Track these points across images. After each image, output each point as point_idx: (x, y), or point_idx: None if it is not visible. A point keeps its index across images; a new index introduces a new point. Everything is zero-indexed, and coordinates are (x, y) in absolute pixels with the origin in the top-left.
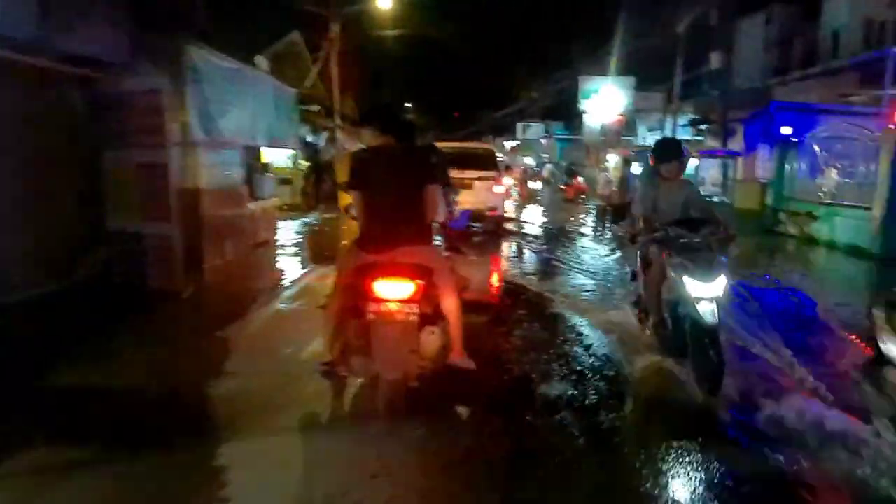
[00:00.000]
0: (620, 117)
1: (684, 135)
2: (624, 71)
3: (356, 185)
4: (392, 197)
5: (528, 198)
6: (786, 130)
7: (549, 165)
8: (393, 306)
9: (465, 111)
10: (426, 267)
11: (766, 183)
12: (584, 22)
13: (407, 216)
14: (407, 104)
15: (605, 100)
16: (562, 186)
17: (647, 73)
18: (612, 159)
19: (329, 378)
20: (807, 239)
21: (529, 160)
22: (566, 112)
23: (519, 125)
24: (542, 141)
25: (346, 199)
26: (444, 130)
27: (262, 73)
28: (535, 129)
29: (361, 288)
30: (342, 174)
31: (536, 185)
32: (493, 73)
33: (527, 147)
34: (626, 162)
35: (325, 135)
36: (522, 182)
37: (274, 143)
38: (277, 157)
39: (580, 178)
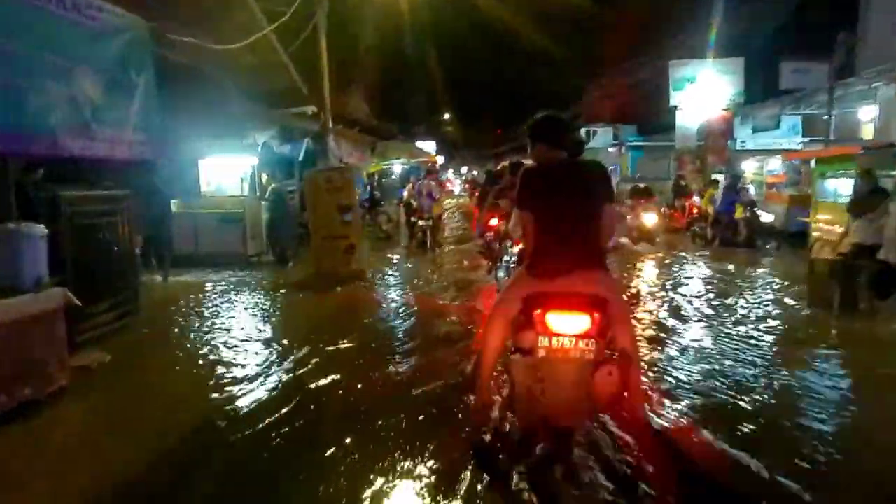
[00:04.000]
0: (726, 112)
1: None
2: (722, 52)
3: (527, 205)
4: (569, 217)
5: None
6: None
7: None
8: (567, 342)
9: (510, 120)
10: (601, 297)
11: None
12: None
13: (582, 239)
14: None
15: (704, 90)
16: (665, 210)
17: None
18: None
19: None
20: None
21: None
22: (643, 112)
23: (582, 131)
24: (611, 150)
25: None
26: (485, 145)
27: None
28: (602, 136)
29: (531, 321)
30: (343, 196)
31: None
32: (546, 67)
33: (592, 157)
34: (867, 174)
35: (303, 144)
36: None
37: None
38: (220, 178)
39: (696, 199)
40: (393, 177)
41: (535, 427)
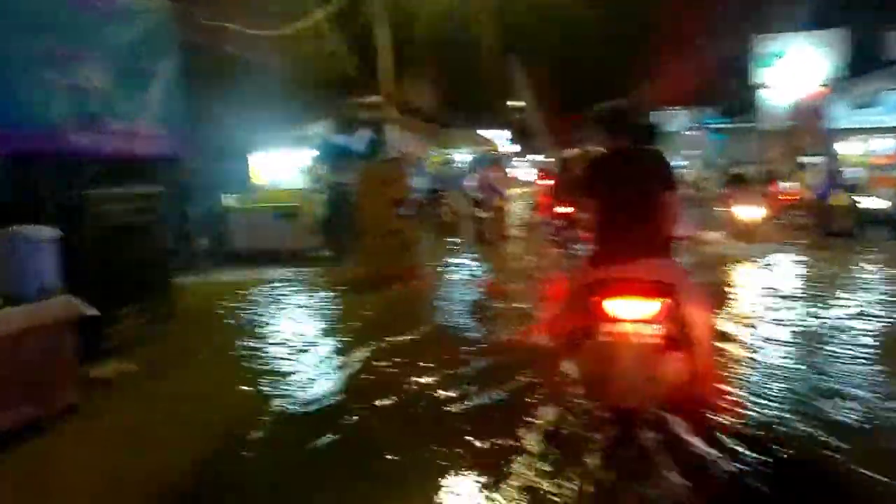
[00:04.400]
0: (823, 89)
1: None
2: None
3: (591, 192)
4: (629, 205)
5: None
6: None
7: (697, 165)
8: (630, 327)
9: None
10: (668, 283)
11: None
12: None
13: (645, 226)
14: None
15: (795, 66)
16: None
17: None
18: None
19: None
20: None
21: (676, 162)
22: (723, 92)
23: (653, 116)
24: (688, 133)
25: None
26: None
27: None
28: (679, 119)
29: (592, 307)
30: (396, 189)
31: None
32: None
33: (665, 143)
34: None
35: (365, 135)
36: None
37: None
38: (277, 171)
39: (785, 184)
40: (458, 165)
41: (604, 406)
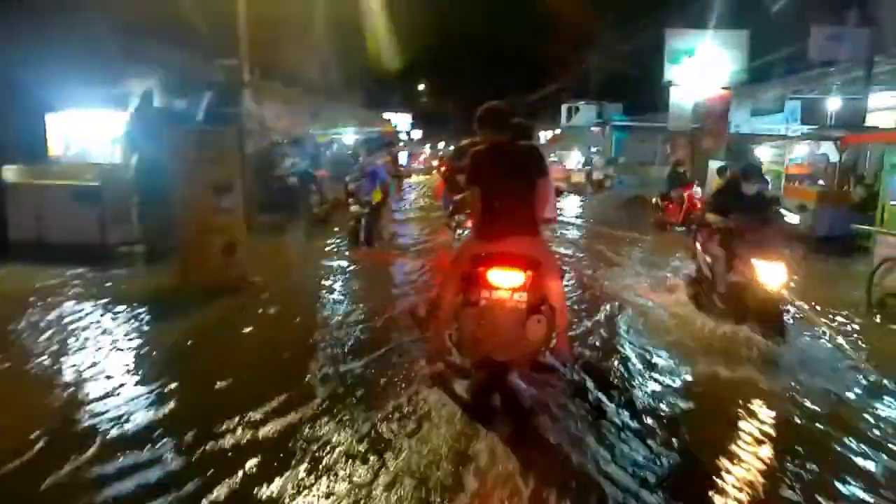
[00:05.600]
0: (725, 92)
1: None
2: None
3: (474, 181)
4: (507, 191)
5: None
6: None
7: (595, 159)
8: (504, 294)
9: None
10: (535, 258)
11: None
12: None
13: (519, 209)
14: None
15: (703, 65)
16: (656, 201)
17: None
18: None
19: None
20: None
21: (576, 156)
22: (631, 89)
23: (564, 108)
24: (594, 129)
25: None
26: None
27: None
28: (585, 114)
29: (475, 276)
30: (220, 170)
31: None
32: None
33: (573, 137)
34: None
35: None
36: None
37: None
38: (87, 139)
39: (697, 189)
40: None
41: (477, 362)
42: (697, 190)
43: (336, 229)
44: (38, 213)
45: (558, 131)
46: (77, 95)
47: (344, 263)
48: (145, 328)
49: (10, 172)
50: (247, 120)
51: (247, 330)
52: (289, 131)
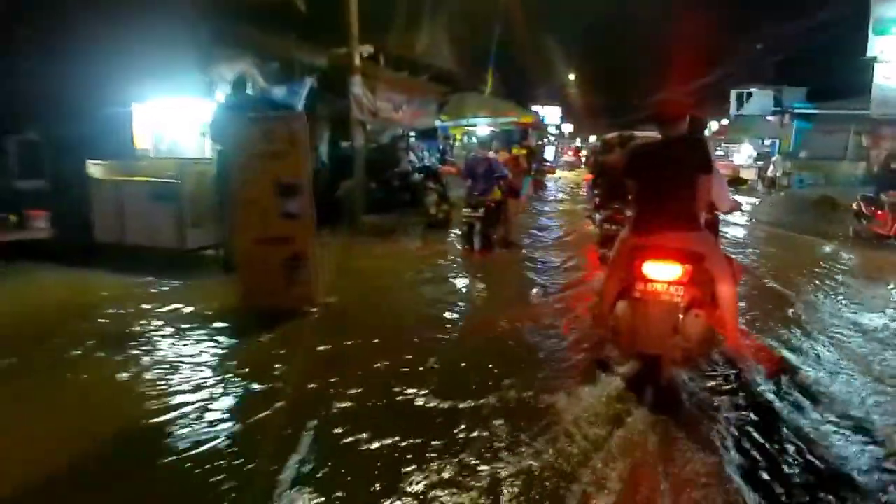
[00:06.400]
0: None
1: None
2: None
3: (631, 175)
4: (667, 185)
5: None
6: None
7: (776, 158)
8: (659, 287)
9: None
10: (697, 252)
11: None
12: None
13: (678, 202)
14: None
15: None
16: (858, 206)
17: None
18: None
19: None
20: None
21: (747, 149)
22: (818, 70)
23: (734, 94)
24: (770, 118)
25: None
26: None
27: None
28: (759, 101)
29: (631, 269)
30: (285, 166)
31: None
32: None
33: (743, 128)
34: None
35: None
36: None
37: None
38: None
39: None
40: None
41: (632, 355)
42: None
43: (455, 233)
44: (119, 212)
45: (726, 122)
46: (164, 83)
47: (453, 274)
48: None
49: (96, 168)
50: (357, 110)
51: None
52: (411, 123)
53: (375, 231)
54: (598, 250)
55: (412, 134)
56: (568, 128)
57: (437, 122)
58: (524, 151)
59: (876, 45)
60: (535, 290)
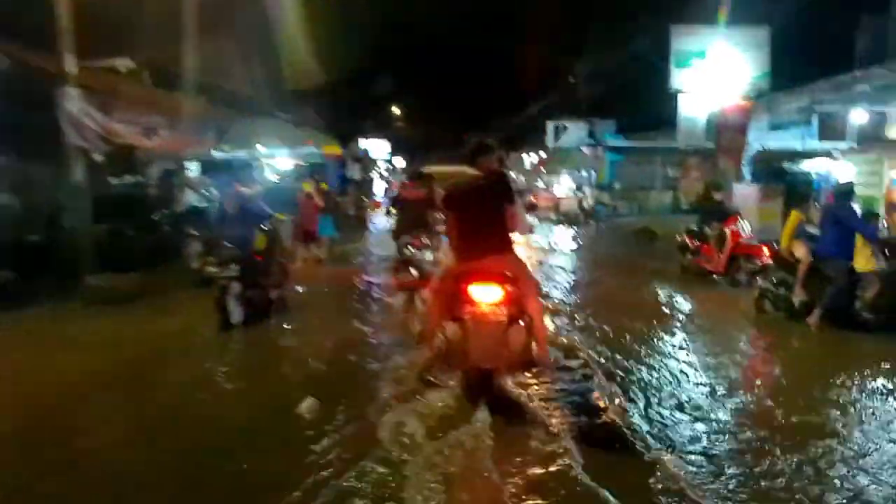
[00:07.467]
0: (745, 102)
1: None
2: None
3: (451, 208)
4: (482, 216)
5: None
6: None
7: (587, 189)
8: (486, 308)
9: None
10: (513, 274)
11: None
12: None
13: (492, 230)
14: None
15: (716, 70)
16: (682, 240)
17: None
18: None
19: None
20: None
21: (566, 180)
22: (628, 102)
23: (550, 126)
24: (585, 150)
25: None
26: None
27: None
28: (574, 133)
29: (458, 292)
30: None
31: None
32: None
33: (561, 160)
34: None
35: None
36: None
37: None
38: None
39: (743, 224)
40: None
41: (465, 371)
42: (744, 225)
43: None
44: None
45: (544, 154)
46: None
47: (183, 377)
48: None
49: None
50: (73, 134)
51: None
52: (176, 151)
53: (107, 297)
54: (395, 275)
55: (189, 167)
56: (399, 162)
57: (216, 153)
58: (310, 187)
59: (678, 78)
60: (305, 402)
